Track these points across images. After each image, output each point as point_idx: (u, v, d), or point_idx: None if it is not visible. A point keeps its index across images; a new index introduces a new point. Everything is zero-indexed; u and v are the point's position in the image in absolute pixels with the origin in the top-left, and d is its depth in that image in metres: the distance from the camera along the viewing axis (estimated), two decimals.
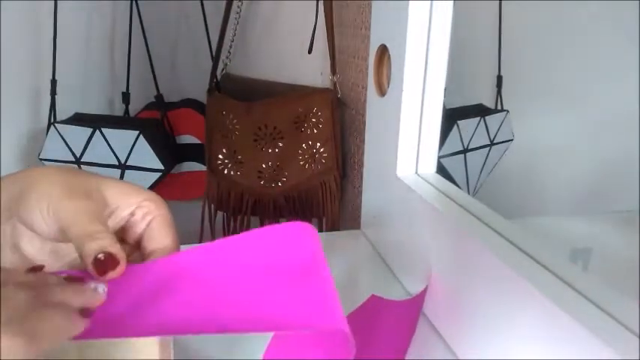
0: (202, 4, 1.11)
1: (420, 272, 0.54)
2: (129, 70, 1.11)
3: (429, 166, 0.59)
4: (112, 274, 0.29)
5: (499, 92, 0.73)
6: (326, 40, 0.87)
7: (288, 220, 0.35)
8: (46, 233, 0.31)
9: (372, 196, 0.69)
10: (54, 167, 0.33)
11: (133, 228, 0.34)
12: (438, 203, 0.50)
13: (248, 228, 0.95)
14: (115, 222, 0.33)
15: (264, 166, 0.92)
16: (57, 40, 1.00)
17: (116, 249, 0.30)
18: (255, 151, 0.92)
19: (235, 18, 1.02)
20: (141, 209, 0.33)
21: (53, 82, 1.01)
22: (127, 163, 1.01)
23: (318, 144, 0.88)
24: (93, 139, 0.99)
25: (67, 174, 0.32)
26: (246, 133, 0.92)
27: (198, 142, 1.12)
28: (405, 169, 0.59)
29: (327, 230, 0.90)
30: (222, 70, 1.06)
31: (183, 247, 0.35)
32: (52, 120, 1.00)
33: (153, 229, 0.33)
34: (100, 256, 0.29)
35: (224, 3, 0.97)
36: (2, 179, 0.32)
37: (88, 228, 0.30)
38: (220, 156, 0.95)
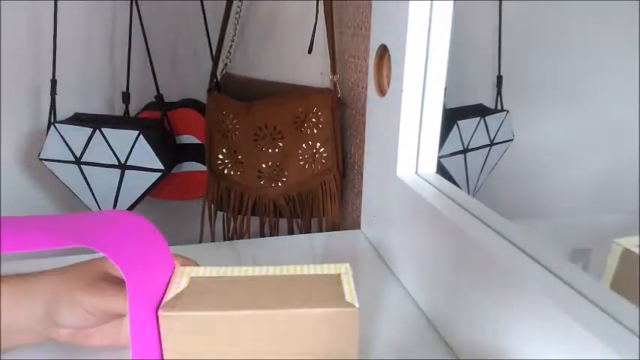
0: (202, 4, 1.11)
1: (420, 272, 0.54)
2: (129, 70, 1.11)
3: (429, 166, 0.59)
4: None
5: (499, 92, 0.73)
6: (326, 40, 0.87)
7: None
8: (96, 324, 0.39)
9: (372, 196, 0.69)
10: (55, 277, 0.39)
11: None
12: (438, 203, 0.50)
13: (248, 228, 0.95)
14: None
15: (264, 166, 0.92)
16: (57, 40, 1.00)
17: None
18: (255, 151, 0.92)
19: (235, 18, 1.02)
20: None
21: (53, 82, 1.01)
22: (127, 163, 1.01)
23: (318, 144, 0.88)
24: (93, 139, 0.99)
25: (72, 279, 0.39)
26: (246, 133, 0.92)
27: (198, 142, 1.12)
28: (405, 169, 0.59)
29: (327, 230, 0.90)
30: (222, 70, 1.05)
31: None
32: (52, 120, 1.00)
33: None
34: None
35: (224, 3, 0.97)
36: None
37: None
38: (220, 156, 0.95)
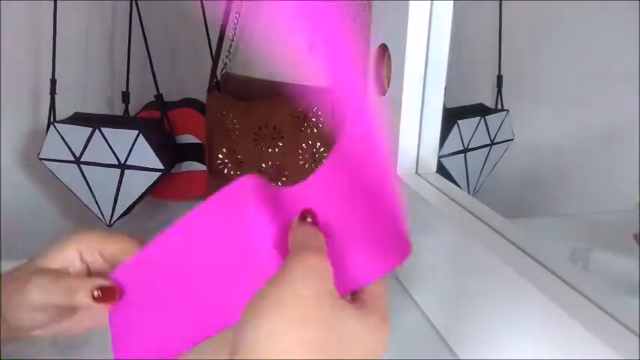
0: (202, 4, 1.11)
1: (420, 272, 0.54)
2: (128, 70, 1.11)
3: (429, 166, 0.59)
4: (116, 298, 0.34)
5: (499, 92, 0.73)
6: None
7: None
8: (47, 322, 0.35)
9: None
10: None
11: (93, 266, 0.37)
12: (438, 203, 0.50)
13: None
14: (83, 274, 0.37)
15: (264, 165, 0.92)
16: (57, 40, 1.00)
17: (100, 281, 0.34)
18: (255, 150, 0.91)
19: (235, 18, 1.02)
20: (84, 253, 0.36)
21: (53, 81, 1.01)
22: (127, 163, 1.01)
23: (319, 143, 0.88)
24: (92, 138, 0.99)
25: (11, 282, 0.35)
26: (246, 132, 0.92)
27: (198, 141, 1.12)
28: (405, 169, 0.59)
29: None
30: (222, 69, 1.05)
31: None
32: (52, 120, 1.00)
33: (106, 256, 0.36)
34: (96, 293, 0.33)
35: (224, 3, 0.97)
36: None
37: (62, 285, 0.34)
38: (220, 156, 0.95)
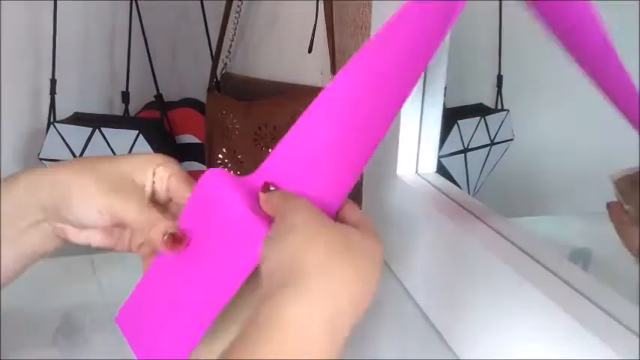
0: (202, 4, 1.11)
1: (420, 272, 0.54)
2: (128, 70, 1.11)
3: (429, 166, 0.59)
4: (179, 248, 0.34)
5: (499, 92, 0.73)
6: (326, 39, 0.87)
7: None
8: (100, 225, 0.36)
9: (372, 196, 0.69)
10: (75, 166, 0.36)
11: (157, 191, 0.38)
12: (437, 203, 0.50)
13: None
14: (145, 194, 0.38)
15: None
16: (57, 40, 1.00)
17: (173, 228, 0.34)
18: (255, 150, 0.92)
19: (235, 17, 1.02)
20: (157, 175, 0.38)
21: (53, 81, 1.01)
22: None
23: None
24: (92, 138, 0.99)
25: (92, 172, 0.36)
26: (246, 132, 0.92)
27: (198, 141, 1.12)
28: (405, 169, 0.59)
29: None
30: (222, 69, 1.05)
31: None
32: (52, 120, 1.00)
33: (173, 189, 0.38)
34: (165, 237, 0.34)
35: (224, 3, 0.97)
36: (21, 182, 0.35)
37: (144, 218, 0.35)
38: (220, 156, 0.95)
